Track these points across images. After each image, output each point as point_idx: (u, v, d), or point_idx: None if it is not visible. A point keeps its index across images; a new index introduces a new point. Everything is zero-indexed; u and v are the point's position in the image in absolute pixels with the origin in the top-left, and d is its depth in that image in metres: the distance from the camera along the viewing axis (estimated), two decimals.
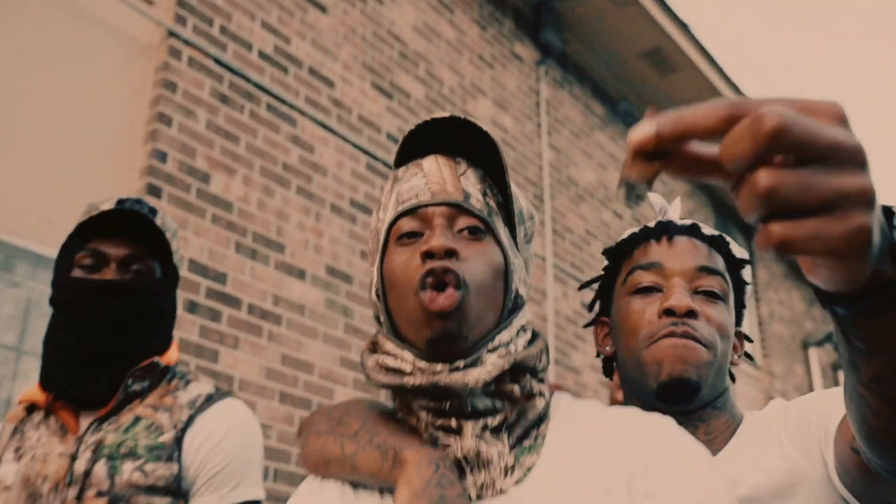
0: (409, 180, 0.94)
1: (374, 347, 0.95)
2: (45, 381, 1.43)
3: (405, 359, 0.89)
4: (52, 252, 3.09)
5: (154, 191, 3.39)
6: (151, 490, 1.34)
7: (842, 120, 0.47)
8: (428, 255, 0.86)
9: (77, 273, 1.44)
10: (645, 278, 1.14)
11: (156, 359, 1.46)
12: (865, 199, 0.45)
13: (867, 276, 0.49)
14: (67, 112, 3.32)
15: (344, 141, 4.35)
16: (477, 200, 0.92)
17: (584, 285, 1.35)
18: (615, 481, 0.81)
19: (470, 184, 0.93)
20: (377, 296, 0.94)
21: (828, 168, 0.44)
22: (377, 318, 0.96)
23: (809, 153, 0.44)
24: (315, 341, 3.90)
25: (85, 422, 1.42)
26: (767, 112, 0.43)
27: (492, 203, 0.94)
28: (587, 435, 0.87)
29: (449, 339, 0.84)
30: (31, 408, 1.47)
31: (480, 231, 0.91)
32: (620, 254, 1.22)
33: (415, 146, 0.96)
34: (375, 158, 4.49)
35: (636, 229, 1.23)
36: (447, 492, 0.81)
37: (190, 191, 3.52)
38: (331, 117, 4.31)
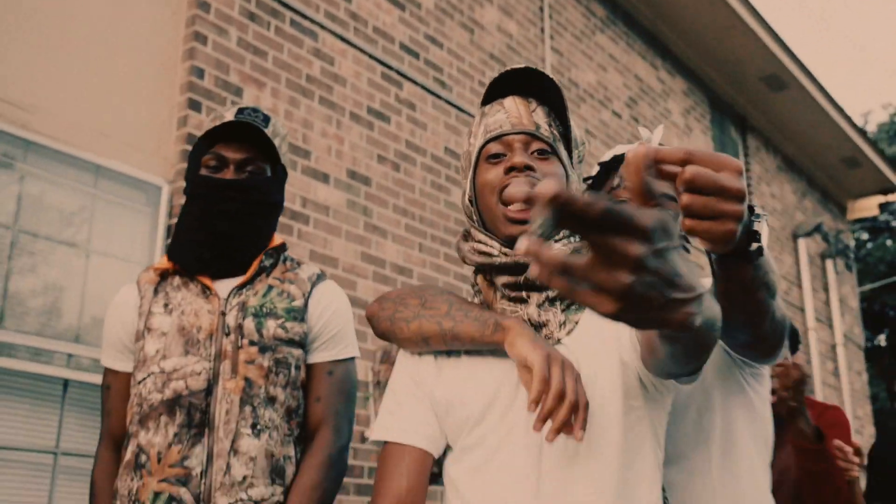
0: (493, 115, 1.28)
1: (466, 238, 1.28)
2: (182, 257, 1.71)
3: (493, 246, 1.22)
4: (110, 162, 3.49)
5: (194, 105, 3.74)
6: (290, 343, 1.68)
7: (738, 171, 0.79)
8: (511, 169, 1.22)
9: (203, 172, 1.72)
10: (624, 195, 1.50)
11: (283, 242, 1.80)
12: (737, 217, 0.79)
13: (730, 249, 0.86)
14: (114, 33, 3.64)
15: (361, 52, 4.65)
16: (545, 130, 1.24)
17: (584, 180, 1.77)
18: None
19: (539, 117, 1.25)
20: (470, 201, 1.29)
21: (719, 198, 0.78)
22: (469, 217, 1.29)
23: (707, 191, 0.78)
24: (339, 239, 4.33)
25: (221, 288, 1.71)
26: (686, 170, 0.78)
27: (555, 132, 1.26)
28: None
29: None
30: (163, 274, 1.75)
31: (548, 153, 1.24)
32: (609, 170, 1.60)
33: (497, 89, 1.30)
34: (390, 68, 4.80)
35: (625, 150, 1.58)
36: (545, 342, 1.15)
37: (225, 104, 3.87)
38: (348, 30, 4.61)
